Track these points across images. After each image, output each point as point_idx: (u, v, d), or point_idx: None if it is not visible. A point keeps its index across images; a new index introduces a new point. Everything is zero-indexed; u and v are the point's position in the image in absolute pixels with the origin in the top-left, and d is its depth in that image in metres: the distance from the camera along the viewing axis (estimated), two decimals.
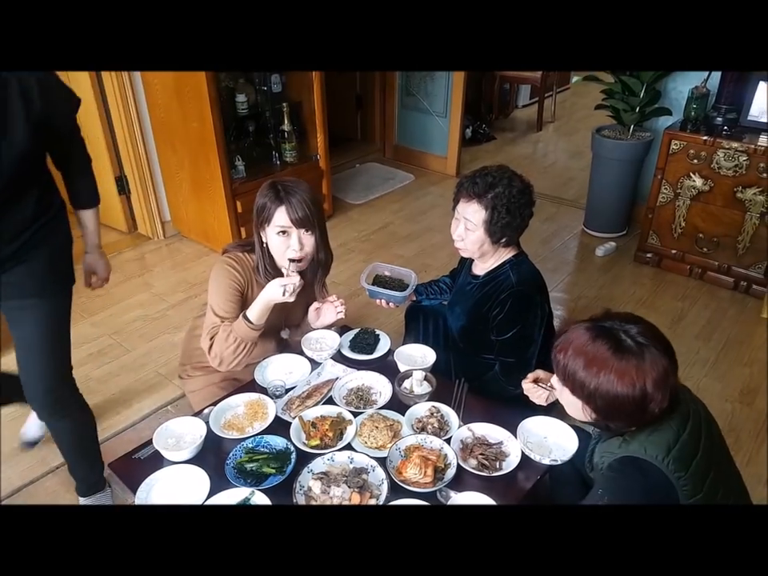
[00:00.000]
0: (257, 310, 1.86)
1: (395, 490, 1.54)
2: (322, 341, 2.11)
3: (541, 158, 5.68)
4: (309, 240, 1.91)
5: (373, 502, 1.50)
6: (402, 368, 1.97)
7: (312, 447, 1.67)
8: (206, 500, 1.52)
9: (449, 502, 1.51)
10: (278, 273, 1.96)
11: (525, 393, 1.74)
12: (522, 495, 1.59)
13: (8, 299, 1.71)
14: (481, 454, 1.64)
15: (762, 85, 3.13)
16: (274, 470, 1.61)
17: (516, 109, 6.81)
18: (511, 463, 1.63)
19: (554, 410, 1.87)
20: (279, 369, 2.02)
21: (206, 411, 1.83)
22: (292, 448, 1.67)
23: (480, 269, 2.12)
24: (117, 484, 2.12)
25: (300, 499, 1.52)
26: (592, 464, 1.55)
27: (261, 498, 1.51)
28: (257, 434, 1.72)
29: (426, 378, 1.88)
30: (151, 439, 1.70)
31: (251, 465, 1.62)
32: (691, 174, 3.28)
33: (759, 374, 2.78)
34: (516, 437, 1.69)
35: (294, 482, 1.55)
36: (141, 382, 2.77)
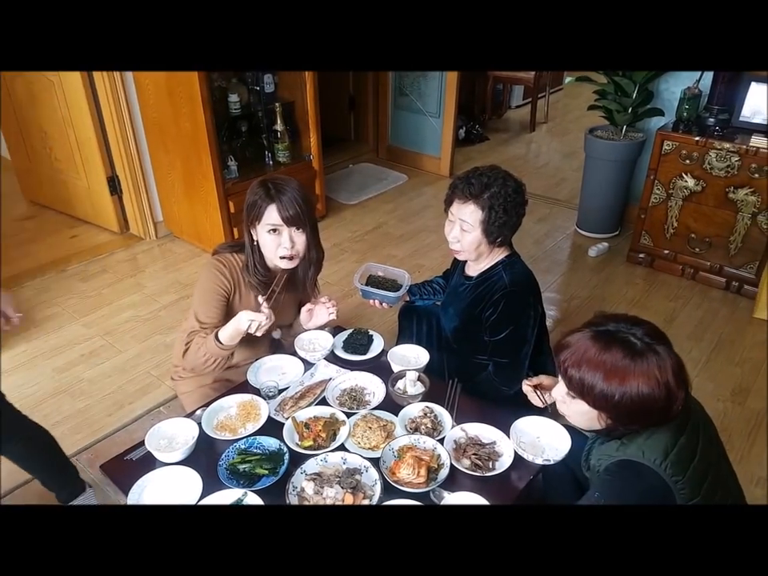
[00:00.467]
0: (227, 334, 1.85)
1: (388, 490, 1.53)
2: (315, 341, 2.11)
3: (534, 159, 5.70)
4: (300, 238, 1.90)
5: (366, 502, 1.49)
6: (396, 368, 1.96)
7: (305, 448, 1.67)
8: (198, 501, 1.51)
9: (442, 502, 1.51)
10: (267, 272, 1.96)
11: (524, 392, 1.74)
12: (515, 495, 1.59)
13: None
14: (474, 454, 1.63)
15: (753, 86, 3.15)
16: (266, 471, 1.60)
17: (509, 109, 6.82)
18: (504, 463, 1.63)
19: (547, 410, 1.87)
20: (272, 370, 2.02)
21: (198, 412, 1.82)
22: (285, 449, 1.66)
23: (473, 270, 2.12)
24: (109, 485, 2.10)
25: (293, 500, 1.51)
26: (588, 464, 1.54)
27: (254, 499, 1.51)
28: (249, 435, 1.72)
29: (419, 379, 1.88)
30: (143, 440, 1.68)
31: (244, 466, 1.62)
32: (683, 175, 3.29)
33: (750, 373, 2.80)
34: (509, 437, 1.69)
35: (287, 482, 1.55)
36: (133, 383, 2.75)
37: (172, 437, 1.72)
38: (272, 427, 1.74)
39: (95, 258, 3.80)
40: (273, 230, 1.86)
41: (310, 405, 1.83)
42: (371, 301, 2.21)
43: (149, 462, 1.66)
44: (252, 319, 1.80)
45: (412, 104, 5.01)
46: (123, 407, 2.61)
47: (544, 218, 4.34)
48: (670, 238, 3.50)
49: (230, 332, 1.85)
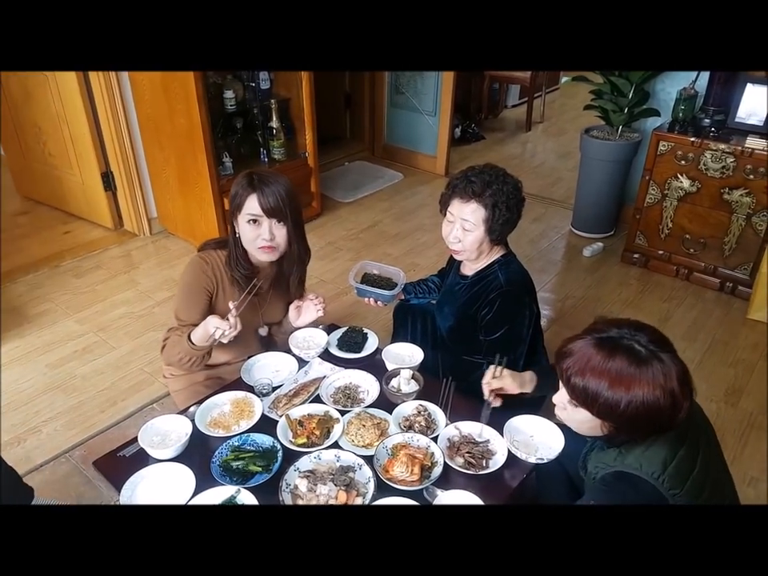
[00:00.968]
0: (198, 335, 1.85)
1: (382, 488, 1.53)
2: (309, 339, 2.11)
3: (529, 158, 5.70)
4: (280, 231, 1.88)
5: (359, 500, 1.49)
6: (390, 367, 1.96)
7: (299, 445, 1.67)
8: (191, 498, 1.51)
9: (435, 500, 1.51)
10: (249, 265, 1.95)
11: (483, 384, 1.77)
12: (508, 493, 1.59)
13: None
14: (467, 452, 1.64)
15: (749, 87, 3.16)
16: (260, 468, 1.60)
17: (505, 109, 6.82)
18: (498, 461, 1.63)
19: (541, 408, 1.88)
20: (266, 367, 2.01)
21: (191, 409, 1.82)
22: (278, 446, 1.66)
23: (469, 269, 2.12)
24: (101, 482, 2.10)
25: (286, 497, 1.51)
26: (586, 469, 1.53)
27: (247, 496, 1.50)
28: (243, 432, 1.71)
29: (413, 377, 1.88)
30: (136, 437, 1.68)
31: (237, 463, 1.61)
32: (679, 175, 3.30)
33: (744, 374, 2.81)
34: (503, 435, 1.69)
35: (281, 480, 1.54)
36: (126, 379, 2.74)
37: (165, 433, 1.71)
38: (266, 424, 1.74)
39: (89, 254, 3.79)
40: (253, 220, 1.84)
41: (303, 402, 1.83)
42: (366, 299, 2.21)
43: (142, 459, 1.65)
44: (217, 326, 1.77)
45: (408, 102, 5.00)
46: (116, 404, 2.60)
47: (539, 218, 4.34)
48: (665, 238, 3.51)
49: (201, 334, 1.84)
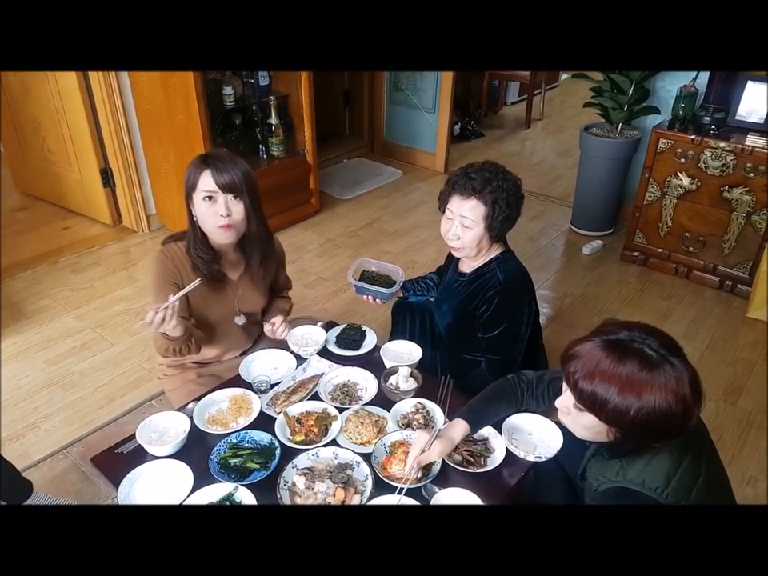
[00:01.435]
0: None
1: (380, 485, 1.53)
2: (307, 336, 2.10)
3: (529, 156, 5.69)
4: (237, 207, 1.84)
5: (357, 497, 1.49)
6: (388, 364, 1.96)
7: (297, 443, 1.66)
8: (189, 495, 1.51)
9: (433, 498, 1.51)
10: (210, 249, 1.91)
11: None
12: (506, 491, 1.59)
13: None
14: (466, 450, 1.63)
15: (750, 85, 3.15)
16: (258, 466, 1.59)
17: (505, 106, 6.81)
18: (496, 459, 1.63)
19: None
20: (264, 364, 2.01)
21: (189, 406, 1.81)
22: (276, 443, 1.66)
23: (467, 266, 2.11)
24: (99, 478, 2.10)
25: (284, 495, 1.51)
26: (584, 477, 1.50)
27: (245, 494, 1.50)
28: (241, 429, 1.71)
29: (411, 375, 1.88)
30: (134, 434, 1.68)
31: (235, 460, 1.61)
32: (678, 173, 3.29)
33: (743, 373, 2.81)
34: (501, 433, 1.69)
35: (279, 477, 1.54)
36: (124, 376, 2.74)
37: (163, 430, 1.71)
38: (264, 422, 1.74)
39: (87, 250, 3.78)
40: (208, 197, 1.80)
41: (302, 400, 1.82)
42: (365, 296, 2.20)
43: (140, 456, 1.65)
44: (148, 312, 1.71)
45: (407, 99, 5.00)
46: (115, 400, 2.60)
47: (538, 216, 4.34)
48: (664, 236, 3.51)
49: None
